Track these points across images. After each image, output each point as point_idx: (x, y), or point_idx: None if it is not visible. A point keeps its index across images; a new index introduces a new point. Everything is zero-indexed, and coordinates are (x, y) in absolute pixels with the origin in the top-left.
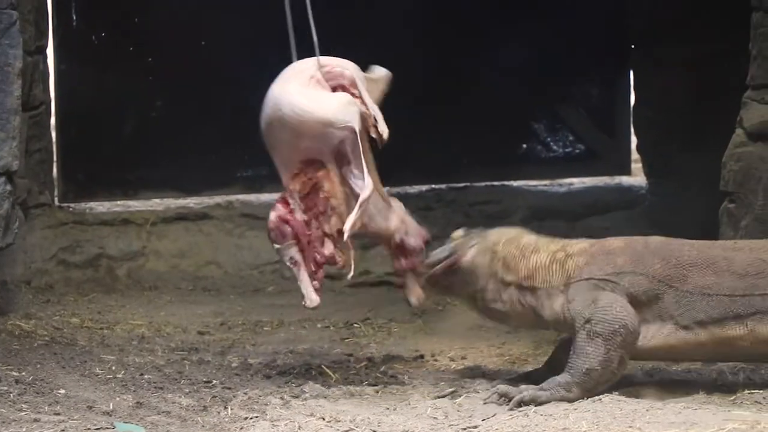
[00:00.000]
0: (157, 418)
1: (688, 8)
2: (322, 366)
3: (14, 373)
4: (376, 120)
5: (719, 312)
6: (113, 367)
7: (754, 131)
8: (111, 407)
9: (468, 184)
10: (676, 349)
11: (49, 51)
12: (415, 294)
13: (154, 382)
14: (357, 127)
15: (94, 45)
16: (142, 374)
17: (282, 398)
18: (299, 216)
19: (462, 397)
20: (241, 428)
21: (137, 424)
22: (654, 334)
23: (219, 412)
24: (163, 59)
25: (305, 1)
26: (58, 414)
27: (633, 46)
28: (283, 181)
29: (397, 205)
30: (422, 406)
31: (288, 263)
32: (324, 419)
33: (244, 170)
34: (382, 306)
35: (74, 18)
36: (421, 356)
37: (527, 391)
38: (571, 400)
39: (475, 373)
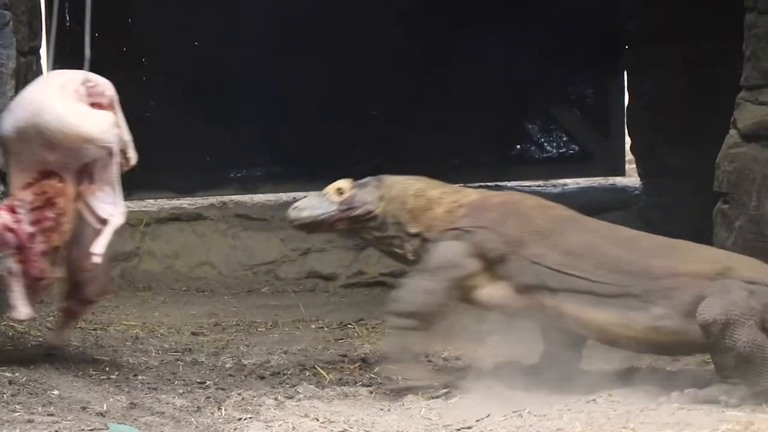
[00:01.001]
0: (150, 419)
1: (681, 9)
2: (316, 367)
3: (7, 374)
4: (126, 145)
5: (539, 281)
6: (107, 368)
7: (748, 132)
8: (105, 408)
9: (462, 184)
10: (510, 308)
11: (43, 51)
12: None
13: (148, 383)
14: (116, 149)
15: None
16: (135, 375)
17: (276, 399)
18: (26, 227)
19: (456, 398)
20: (235, 429)
21: (131, 425)
22: (495, 290)
23: (213, 413)
24: (156, 60)
25: (85, 14)
26: (52, 415)
27: (627, 47)
28: (12, 188)
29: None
30: (416, 407)
31: (2, 272)
32: (318, 420)
33: (237, 171)
34: (376, 307)
35: (68, 19)
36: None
37: None
38: (410, 327)
39: (469, 373)
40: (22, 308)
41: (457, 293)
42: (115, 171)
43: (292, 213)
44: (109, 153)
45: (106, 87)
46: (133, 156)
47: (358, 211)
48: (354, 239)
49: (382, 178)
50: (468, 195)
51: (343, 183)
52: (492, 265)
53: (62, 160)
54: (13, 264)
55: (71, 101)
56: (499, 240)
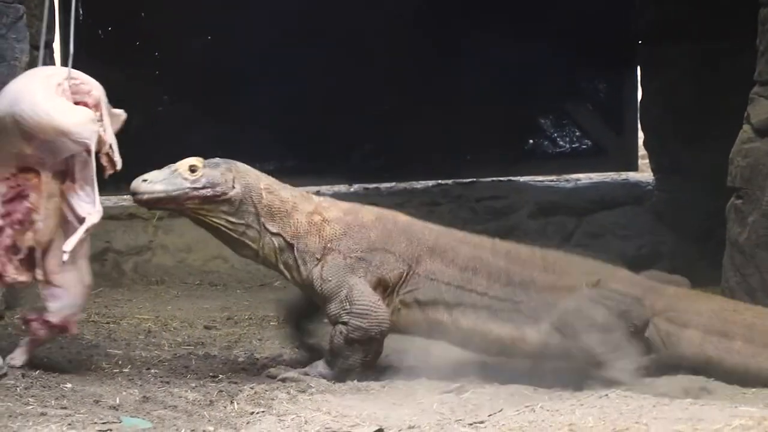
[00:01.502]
0: (163, 413)
1: (694, 6)
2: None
3: (20, 367)
4: (111, 148)
5: (434, 296)
6: (120, 362)
7: (761, 127)
8: (117, 401)
9: (474, 179)
10: (398, 324)
11: (56, 45)
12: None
13: (161, 377)
14: (93, 147)
15: (101, 40)
16: (148, 368)
17: (288, 393)
18: None
19: (468, 393)
20: (248, 423)
21: (144, 419)
22: (402, 312)
23: (225, 407)
24: (169, 54)
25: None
26: (65, 408)
27: (640, 43)
28: None
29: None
30: (428, 401)
31: None
32: (330, 414)
33: (250, 165)
34: None
35: (81, 12)
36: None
37: (292, 373)
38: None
39: (482, 368)
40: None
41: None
42: (92, 170)
43: (143, 186)
44: (86, 149)
45: (93, 87)
46: (118, 160)
47: (211, 191)
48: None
49: (234, 162)
50: (326, 208)
51: (195, 161)
52: (387, 288)
53: (39, 154)
54: None
55: (52, 94)
56: (396, 260)
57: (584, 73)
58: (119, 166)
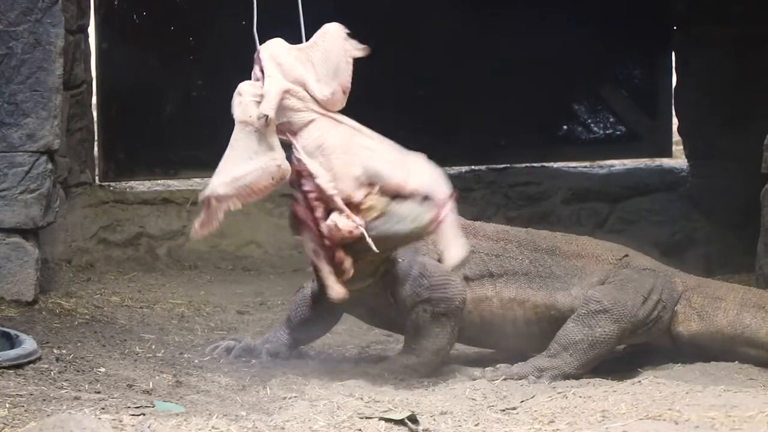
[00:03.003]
0: (196, 397)
1: None
2: (361, 346)
3: (55, 351)
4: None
5: (480, 269)
6: (153, 346)
7: None
8: (151, 386)
9: (508, 165)
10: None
11: (91, 30)
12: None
13: (194, 362)
14: (253, 115)
15: (136, 24)
16: (181, 353)
17: (320, 378)
18: (302, 206)
19: (500, 379)
20: (280, 408)
21: (176, 403)
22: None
23: (258, 392)
24: (204, 38)
25: None
26: (99, 392)
27: (675, 27)
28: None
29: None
30: (461, 388)
31: (310, 254)
32: (363, 399)
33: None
34: None
35: None
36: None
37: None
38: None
39: (513, 354)
40: (335, 288)
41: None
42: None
43: None
44: (264, 122)
45: (262, 48)
46: (263, 108)
47: None
48: None
49: None
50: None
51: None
52: None
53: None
54: (309, 242)
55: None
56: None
57: (619, 58)
58: (268, 113)
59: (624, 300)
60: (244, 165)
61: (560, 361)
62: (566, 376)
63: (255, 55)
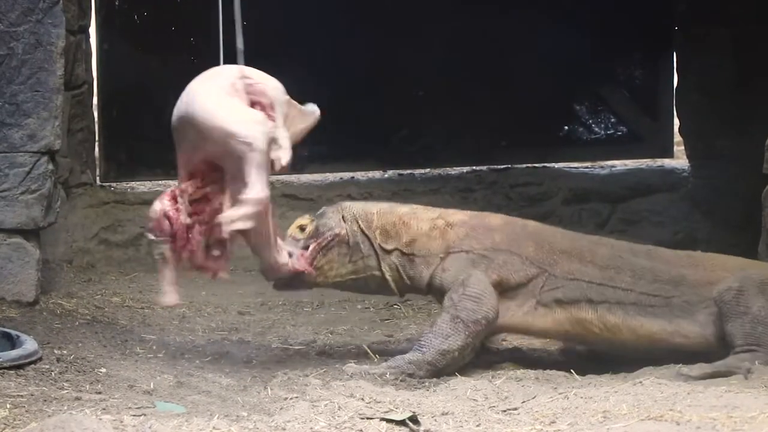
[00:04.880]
0: (197, 398)
1: None
2: (363, 347)
3: (56, 352)
4: (280, 145)
5: (577, 295)
6: (154, 347)
7: None
8: (152, 386)
9: (509, 165)
10: (534, 326)
11: (92, 30)
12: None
13: (195, 362)
14: (260, 146)
15: (137, 24)
16: (182, 354)
17: (322, 379)
18: (183, 218)
19: (502, 380)
20: (281, 408)
21: (177, 403)
22: (514, 312)
23: (259, 392)
24: (204, 39)
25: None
26: (100, 392)
27: (676, 28)
28: (179, 177)
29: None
30: (462, 388)
31: (156, 256)
32: (364, 400)
33: None
34: None
35: None
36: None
37: (375, 368)
38: (418, 377)
39: (515, 355)
40: (169, 295)
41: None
42: (253, 166)
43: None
44: (251, 150)
45: (268, 87)
46: (286, 159)
47: (326, 238)
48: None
49: (340, 203)
50: (450, 214)
51: (302, 219)
52: (508, 287)
53: (218, 153)
54: (167, 251)
55: (224, 95)
56: (522, 263)
57: (620, 59)
58: (285, 162)
59: None
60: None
61: None
62: None
63: (254, 82)
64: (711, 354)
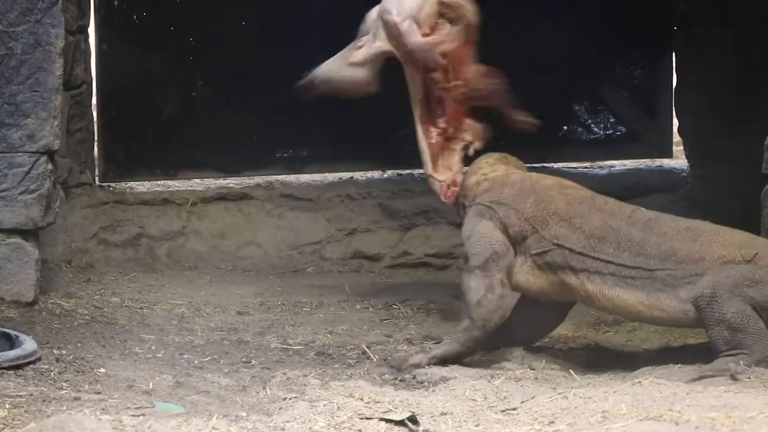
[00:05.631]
0: (196, 398)
1: None
2: (362, 347)
3: (55, 352)
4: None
5: (560, 260)
6: (153, 347)
7: None
8: (151, 386)
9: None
10: (533, 284)
11: (91, 30)
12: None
13: (194, 362)
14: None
15: (136, 24)
16: (181, 354)
17: (321, 379)
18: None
19: (501, 380)
20: (280, 408)
21: (176, 404)
22: (518, 269)
23: (258, 392)
24: (204, 39)
25: None
26: (99, 393)
27: (676, 28)
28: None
29: None
30: (461, 388)
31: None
32: (363, 400)
33: (284, 150)
34: (422, 287)
35: None
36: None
37: (433, 350)
38: (475, 339)
39: (514, 355)
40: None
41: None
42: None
43: None
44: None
45: (467, 12)
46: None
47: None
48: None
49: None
50: (496, 169)
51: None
52: (510, 240)
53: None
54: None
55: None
56: (518, 218)
57: (619, 59)
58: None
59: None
60: None
61: None
62: None
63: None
64: (690, 328)
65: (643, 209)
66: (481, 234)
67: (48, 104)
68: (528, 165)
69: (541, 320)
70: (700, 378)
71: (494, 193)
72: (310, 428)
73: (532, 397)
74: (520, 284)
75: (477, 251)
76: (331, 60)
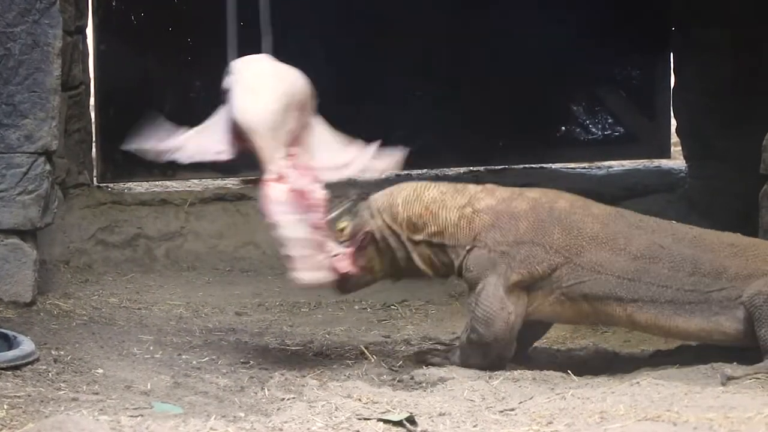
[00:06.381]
0: (194, 399)
1: None
2: (360, 347)
3: (53, 352)
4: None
5: (604, 291)
6: (151, 347)
7: None
8: (149, 387)
9: (506, 166)
10: (560, 315)
11: (89, 31)
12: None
13: (192, 363)
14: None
15: (134, 25)
16: (179, 354)
17: (319, 379)
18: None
19: (499, 380)
20: (278, 409)
21: (174, 404)
22: (541, 302)
23: (256, 393)
24: (201, 39)
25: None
26: (97, 393)
27: (673, 29)
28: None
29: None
30: (459, 389)
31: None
32: (361, 401)
33: None
34: (419, 288)
35: None
36: (458, 338)
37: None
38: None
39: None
40: (305, 274)
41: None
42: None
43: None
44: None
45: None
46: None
47: (358, 239)
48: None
49: (370, 197)
50: (479, 198)
51: (342, 222)
52: (537, 280)
53: None
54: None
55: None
56: (546, 253)
57: (617, 59)
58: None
59: None
60: None
61: None
62: None
63: None
64: (744, 347)
65: (674, 222)
66: (491, 311)
67: (46, 105)
68: (528, 165)
69: (535, 326)
70: (746, 376)
71: (505, 231)
72: (308, 429)
73: (530, 398)
74: (542, 316)
75: (480, 330)
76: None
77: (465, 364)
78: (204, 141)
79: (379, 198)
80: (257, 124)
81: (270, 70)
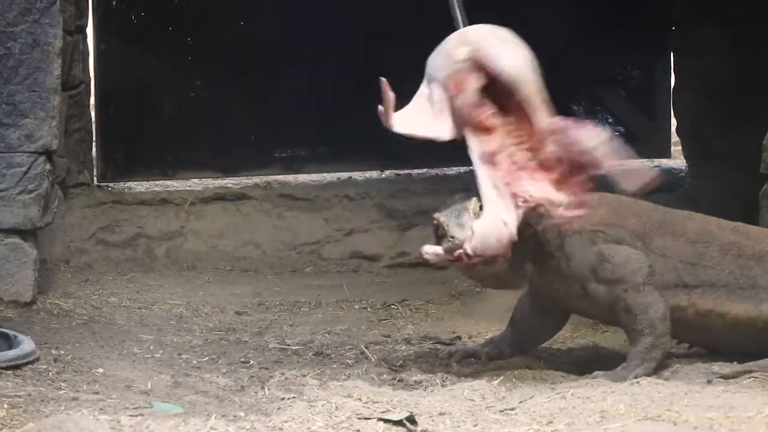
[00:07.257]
0: (194, 398)
1: None
2: (360, 347)
3: (53, 352)
4: None
5: (671, 277)
6: (151, 347)
7: None
8: (149, 386)
9: None
10: None
11: (89, 30)
12: None
13: (192, 362)
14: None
15: (134, 25)
16: (179, 354)
17: (319, 379)
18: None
19: (499, 380)
20: (278, 408)
21: (175, 404)
22: None
23: (256, 392)
24: (202, 39)
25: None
26: (97, 393)
27: (674, 28)
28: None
29: None
30: (459, 388)
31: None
32: (361, 400)
33: (282, 151)
34: (420, 287)
35: None
36: (459, 338)
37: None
38: (664, 352)
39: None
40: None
41: None
42: None
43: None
44: None
45: None
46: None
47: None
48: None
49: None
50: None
51: (446, 223)
52: None
53: None
54: None
55: None
56: (630, 236)
57: (617, 59)
58: None
59: None
60: None
61: None
62: None
63: None
64: None
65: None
66: (622, 254)
67: (46, 104)
68: None
69: (547, 326)
70: (735, 373)
71: (593, 216)
72: (309, 428)
73: (531, 397)
74: None
75: (633, 269)
76: (410, 110)
77: (656, 320)
78: (423, 117)
79: None
80: (525, 71)
81: (499, 30)
